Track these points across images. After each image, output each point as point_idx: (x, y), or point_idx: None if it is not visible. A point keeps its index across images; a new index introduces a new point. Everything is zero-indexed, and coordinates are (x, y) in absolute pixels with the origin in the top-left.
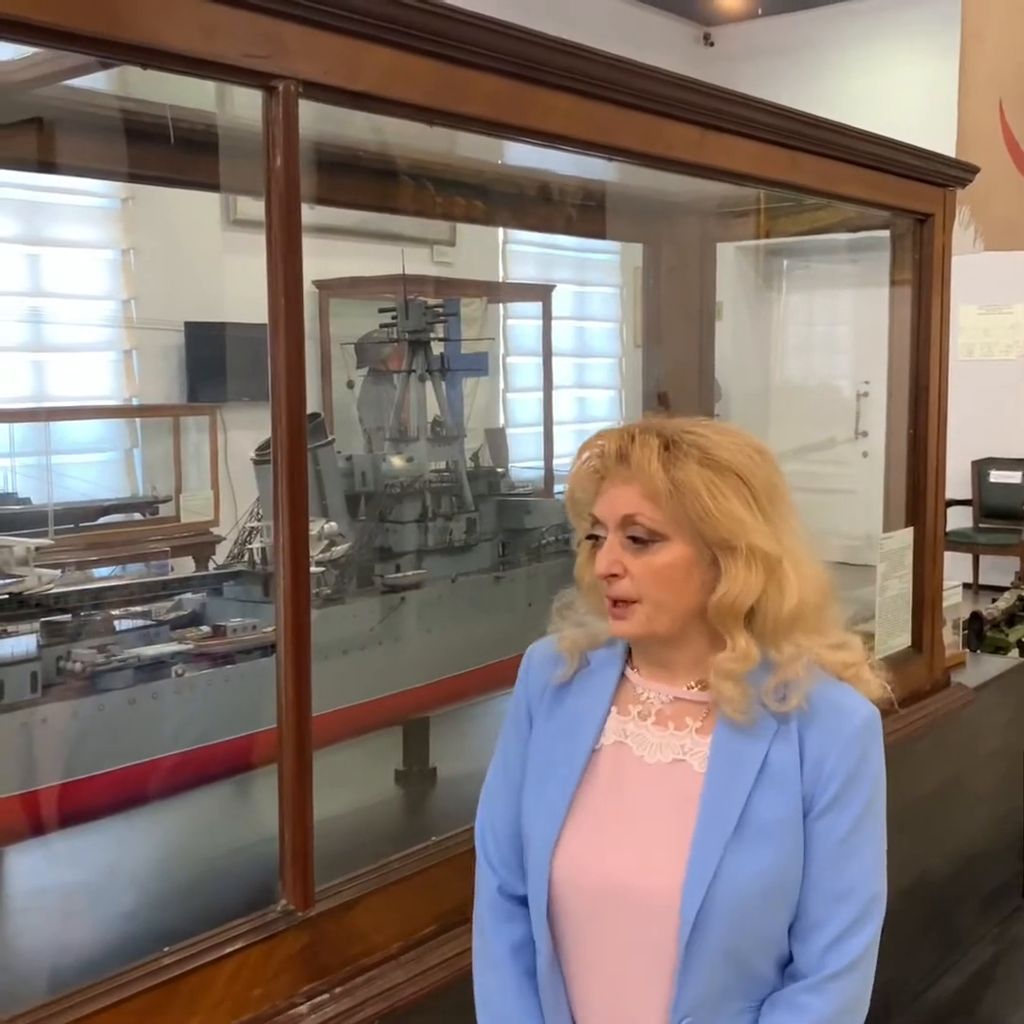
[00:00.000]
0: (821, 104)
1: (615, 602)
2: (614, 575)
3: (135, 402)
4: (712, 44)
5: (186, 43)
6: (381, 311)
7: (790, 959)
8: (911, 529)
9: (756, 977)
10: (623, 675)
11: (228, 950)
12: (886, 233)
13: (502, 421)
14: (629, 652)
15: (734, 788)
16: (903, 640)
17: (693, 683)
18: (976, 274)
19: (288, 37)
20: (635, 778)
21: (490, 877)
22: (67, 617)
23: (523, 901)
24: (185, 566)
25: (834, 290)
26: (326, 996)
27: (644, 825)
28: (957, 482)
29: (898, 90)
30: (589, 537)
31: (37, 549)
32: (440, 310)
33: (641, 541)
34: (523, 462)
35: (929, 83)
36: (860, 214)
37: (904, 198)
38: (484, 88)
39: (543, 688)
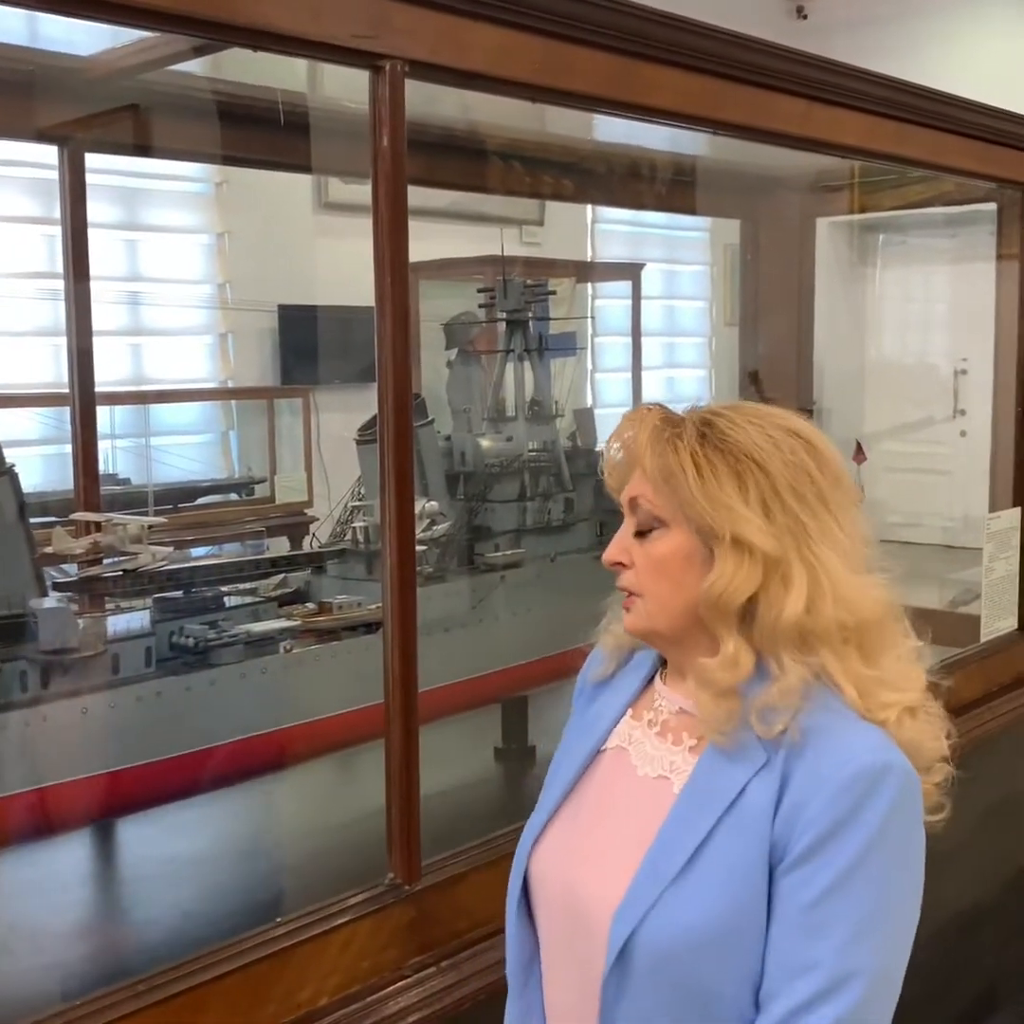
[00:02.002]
0: (919, 76)
1: (628, 594)
2: (619, 563)
3: (230, 384)
4: (805, 16)
5: (295, 25)
6: (479, 291)
7: None
8: (1019, 509)
9: None
10: (653, 678)
11: (338, 922)
12: (987, 206)
13: (590, 401)
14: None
15: (698, 819)
16: (1010, 623)
17: None
18: None
19: (395, 17)
20: (623, 787)
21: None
22: (178, 594)
23: None
24: (279, 545)
25: (931, 266)
26: (433, 969)
27: (612, 838)
28: None
29: (1001, 59)
30: None
31: (150, 527)
32: (538, 290)
33: (645, 529)
34: None
35: None
36: (960, 187)
37: (1013, 169)
38: (591, 64)
39: (588, 686)
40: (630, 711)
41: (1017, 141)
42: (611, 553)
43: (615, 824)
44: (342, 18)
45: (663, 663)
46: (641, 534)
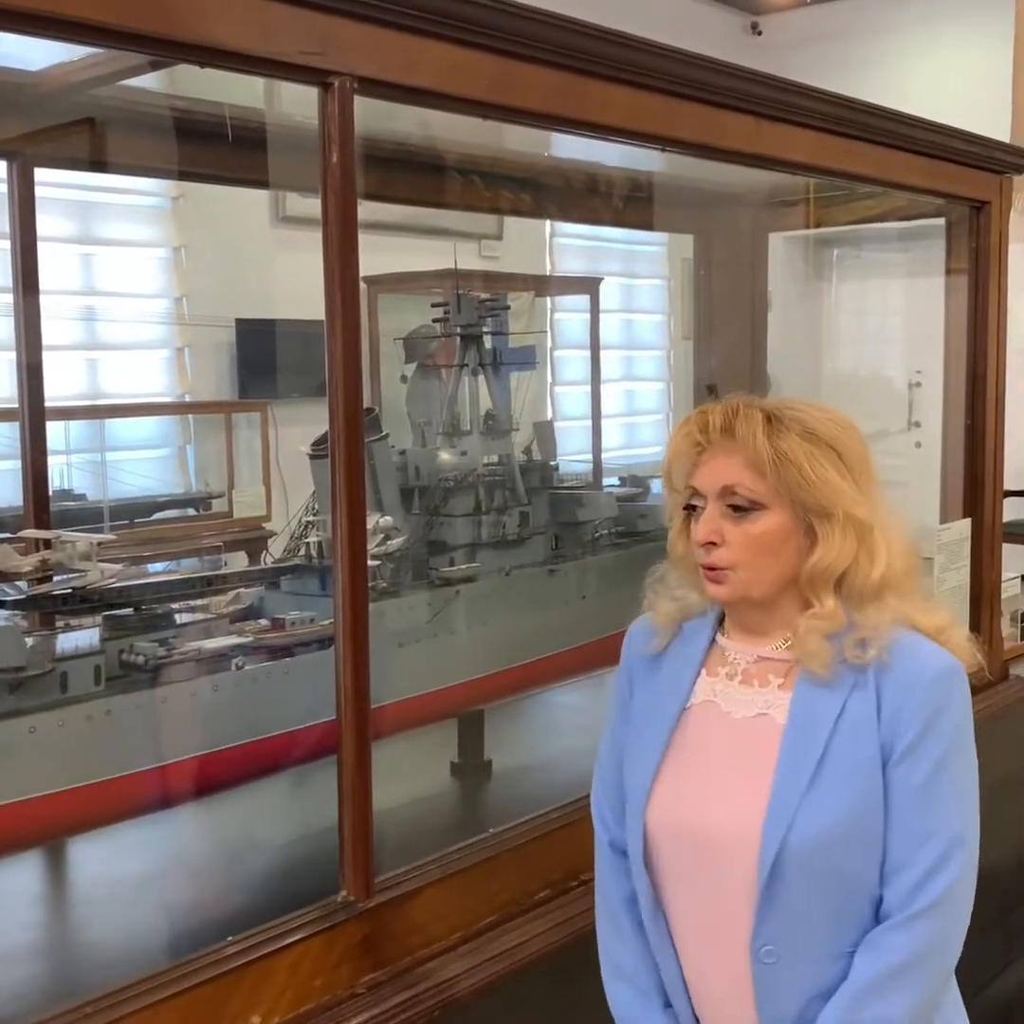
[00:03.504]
0: (873, 92)
1: (709, 568)
2: (712, 543)
3: (188, 399)
4: (759, 33)
5: (243, 41)
6: (434, 306)
7: None
8: (969, 520)
9: (850, 922)
10: (713, 640)
11: (290, 940)
12: (939, 221)
13: (549, 414)
14: (720, 620)
15: (813, 736)
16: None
17: (778, 643)
18: None
19: (343, 34)
20: (721, 732)
21: (603, 835)
22: (128, 611)
23: None
24: (238, 561)
25: (885, 280)
26: (386, 987)
27: (728, 773)
28: (1014, 473)
29: (952, 76)
30: (686, 507)
31: (99, 544)
32: (493, 304)
33: (741, 510)
34: (570, 455)
35: (984, 68)
36: (912, 202)
37: (960, 185)
38: (541, 82)
39: (641, 659)
40: (703, 670)
41: (964, 157)
42: (705, 534)
43: (725, 763)
44: (290, 35)
45: (718, 626)
46: (735, 515)
